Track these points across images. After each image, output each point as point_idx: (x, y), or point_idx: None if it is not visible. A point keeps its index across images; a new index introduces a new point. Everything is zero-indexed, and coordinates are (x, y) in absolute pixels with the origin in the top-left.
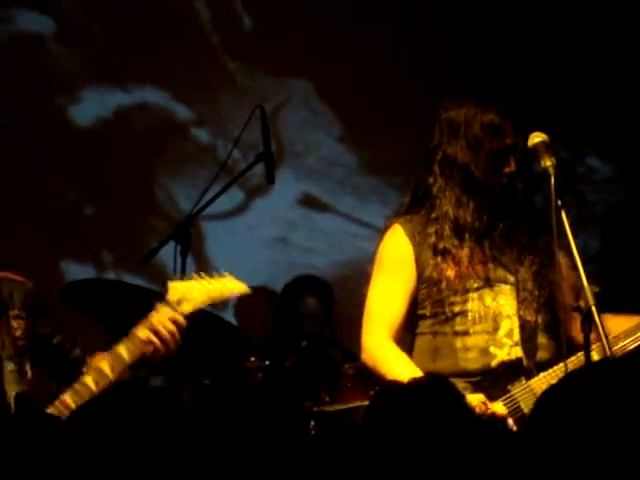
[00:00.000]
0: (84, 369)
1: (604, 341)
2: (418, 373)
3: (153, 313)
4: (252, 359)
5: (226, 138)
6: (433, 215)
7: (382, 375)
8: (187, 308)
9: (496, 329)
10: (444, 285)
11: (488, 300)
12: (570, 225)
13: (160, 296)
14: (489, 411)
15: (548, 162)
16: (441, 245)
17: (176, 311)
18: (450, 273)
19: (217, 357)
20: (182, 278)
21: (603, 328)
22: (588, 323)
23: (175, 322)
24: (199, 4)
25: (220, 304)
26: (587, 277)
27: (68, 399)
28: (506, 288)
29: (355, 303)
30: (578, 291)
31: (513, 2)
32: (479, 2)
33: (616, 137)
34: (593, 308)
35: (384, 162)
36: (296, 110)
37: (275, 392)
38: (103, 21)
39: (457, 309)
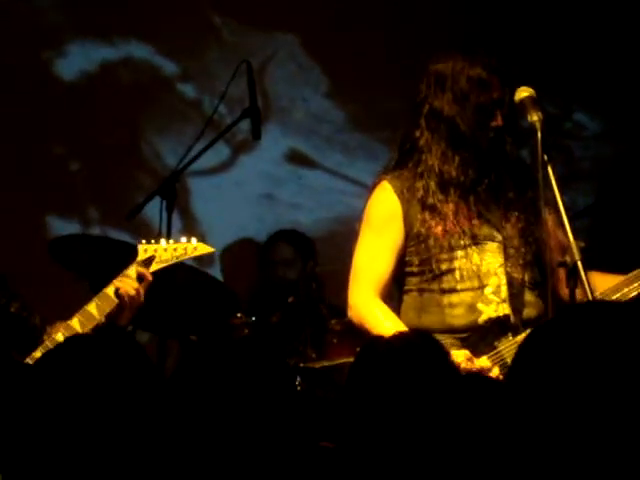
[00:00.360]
0: (45, 336)
1: (589, 295)
2: (404, 329)
3: (123, 272)
4: (238, 315)
5: (212, 93)
6: (419, 169)
7: (368, 332)
8: (155, 267)
9: (483, 286)
10: (432, 242)
11: (475, 258)
12: (557, 181)
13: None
14: (474, 366)
15: (535, 117)
16: (429, 201)
17: (146, 269)
18: (437, 230)
19: (203, 313)
20: (149, 241)
21: (588, 283)
22: (573, 278)
23: (141, 276)
24: None
25: (207, 260)
26: (573, 232)
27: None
28: (493, 246)
29: (342, 260)
30: (565, 247)
31: None
32: None
33: (603, 93)
34: (579, 263)
35: (372, 118)
36: (283, 65)
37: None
38: None
39: (444, 267)
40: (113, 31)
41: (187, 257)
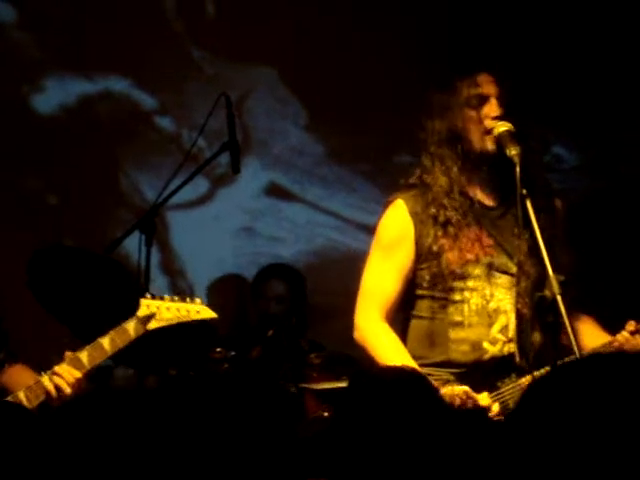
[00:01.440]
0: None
1: (568, 329)
2: (408, 358)
3: (122, 325)
4: (218, 349)
5: (191, 127)
6: (434, 189)
7: (371, 356)
8: (154, 325)
9: (491, 324)
10: (443, 263)
11: (487, 293)
12: (535, 214)
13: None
14: (470, 402)
15: (513, 151)
16: (442, 218)
17: (144, 327)
18: (451, 255)
19: (183, 347)
20: (154, 297)
21: (567, 317)
22: (552, 313)
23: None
24: None
25: (188, 294)
26: (552, 266)
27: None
28: (506, 280)
29: (322, 293)
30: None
31: None
32: None
33: (582, 125)
34: (558, 297)
35: (351, 151)
36: (262, 98)
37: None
38: (66, 8)
39: (455, 297)
40: (91, 65)
41: (189, 320)
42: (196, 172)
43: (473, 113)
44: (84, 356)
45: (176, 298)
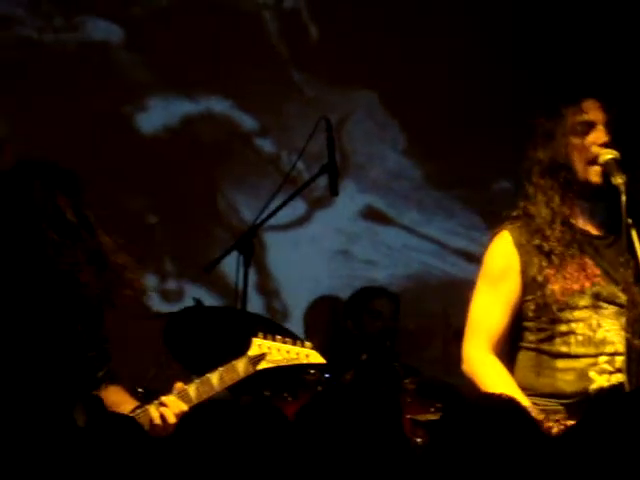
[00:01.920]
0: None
1: None
2: (516, 390)
3: (232, 362)
4: (312, 372)
5: (290, 149)
6: (539, 221)
7: (479, 387)
8: (263, 366)
9: (598, 354)
10: (548, 293)
11: (594, 323)
12: None
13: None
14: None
15: (619, 179)
16: (546, 249)
17: (254, 367)
18: (555, 284)
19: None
20: (266, 336)
21: None
22: None
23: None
24: (267, 14)
25: (281, 314)
26: None
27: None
28: (613, 311)
29: (417, 318)
30: None
31: None
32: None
33: None
34: None
35: (449, 176)
36: (361, 122)
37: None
38: (171, 30)
39: (562, 329)
40: (194, 86)
41: (298, 363)
42: (295, 194)
43: (578, 141)
44: (192, 390)
45: (288, 340)
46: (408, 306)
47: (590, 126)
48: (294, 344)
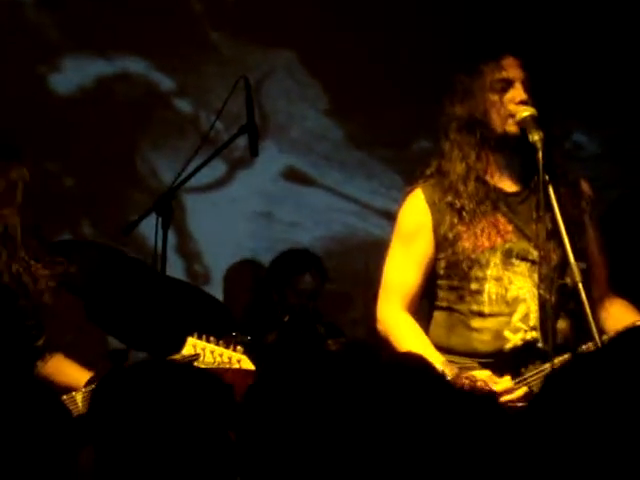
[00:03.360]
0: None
1: (589, 318)
2: (431, 348)
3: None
4: (234, 334)
5: (209, 109)
6: (452, 177)
7: (394, 346)
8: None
9: (511, 313)
10: (459, 250)
11: (505, 281)
12: (557, 200)
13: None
14: (481, 384)
15: (536, 136)
16: (457, 206)
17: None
18: (466, 241)
19: (199, 331)
20: (200, 337)
21: (588, 306)
22: (574, 300)
23: None
24: None
25: (202, 278)
26: (573, 252)
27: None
28: (525, 266)
29: (340, 279)
30: (602, 272)
31: None
32: None
33: (602, 113)
34: (579, 285)
35: (371, 136)
36: (281, 81)
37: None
38: None
39: (474, 287)
40: (109, 46)
41: (228, 366)
42: (214, 155)
43: (496, 97)
44: None
45: (221, 342)
46: (331, 267)
47: (508, 83)
48: (227, 347)
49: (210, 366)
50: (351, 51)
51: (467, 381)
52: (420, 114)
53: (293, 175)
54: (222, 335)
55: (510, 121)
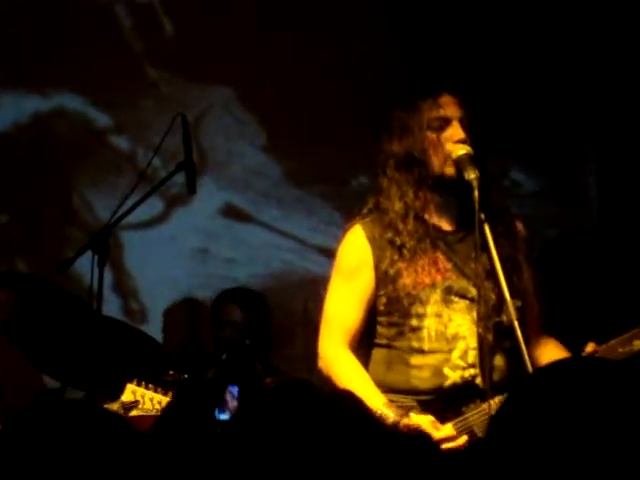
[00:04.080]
0: None
1: (524, 355)
2: (371, 386)
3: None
4: (170, 372)
5: (146, 146)
6: (391, 215)
7: (335, 384)
8: (134, 413)
9: (451, 350)
10: (399, 287)
11: (445, 318)
12: (493, 239)
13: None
14: (437, 434)
15: (472, 175)
16: (398, 243)
17: (126, 414)
18: (406, 278)
19: (135, 370)
20: (139, 384)
21: (524, 344)
22: (509, 338)
23: None
24: (119, 9)
25: (139, 317)
26: (509, 290)
27: None
28: (465, 305)
29: (279, 316)
30: (535, 310)
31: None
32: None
33: (540, 151)
34: (515, 323)
35: (309, 172)
36: (219, 118)
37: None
38: (23, 24)
39: (415, 323)
40: (45, 82)
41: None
42: (151, 192)
43: (434, 136)
44: None
45: (159, 389)
46: (269, 304)
47: (446, 122)
48: (165, 394)
49: (149, 413)
50: (288, 87)
51: (408, 425)
52: (357, 151)
53: (231, 212)
54: (158, 373)
55: (449, 162)
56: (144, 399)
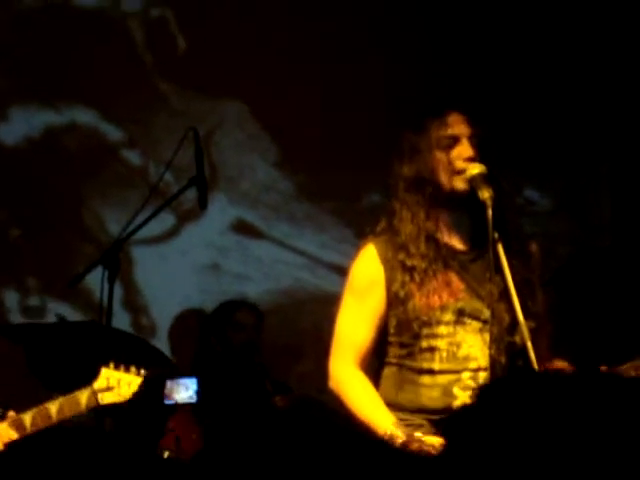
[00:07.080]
0: None
1: None
2: (382, 406)
3: (74, 393)
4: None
5: (158, 161)
6: (403, 236)
7: (346, 404)
8: (108, 400)
9: (462, 371)
10: (410, 309)
11: (457, 339)
12: (507, 258)
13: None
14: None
15: (486, 194)
16: (409, 264)
17: (97, 401)
18: (417, 300)
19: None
20: (117, 367)
21: (536, 364)
22: (522, 359)
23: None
24: (132, 23)
25: (149, 330)
26: (523, 311)
27: None
28: (477, 326)
29: (289, 333)
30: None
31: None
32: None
33: (554, 168)
34: (528, 344)
35: (320, 188)
36: (231, 133)
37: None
38: (35, 38)
39: (424, 345)
40: (58, 96)
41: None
42: (162, 207)
43: (443, 155)
44: (27, 419)
45: (142, 372)
46: (279, 321)
47: (455, 140)
48: (137, 375)
49: (126, 399)
50: (300, 103)
51: (416, 445)
52: (370, 167)
53: (242, 227)
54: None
55: (457, 177)
56: (121, 384)
